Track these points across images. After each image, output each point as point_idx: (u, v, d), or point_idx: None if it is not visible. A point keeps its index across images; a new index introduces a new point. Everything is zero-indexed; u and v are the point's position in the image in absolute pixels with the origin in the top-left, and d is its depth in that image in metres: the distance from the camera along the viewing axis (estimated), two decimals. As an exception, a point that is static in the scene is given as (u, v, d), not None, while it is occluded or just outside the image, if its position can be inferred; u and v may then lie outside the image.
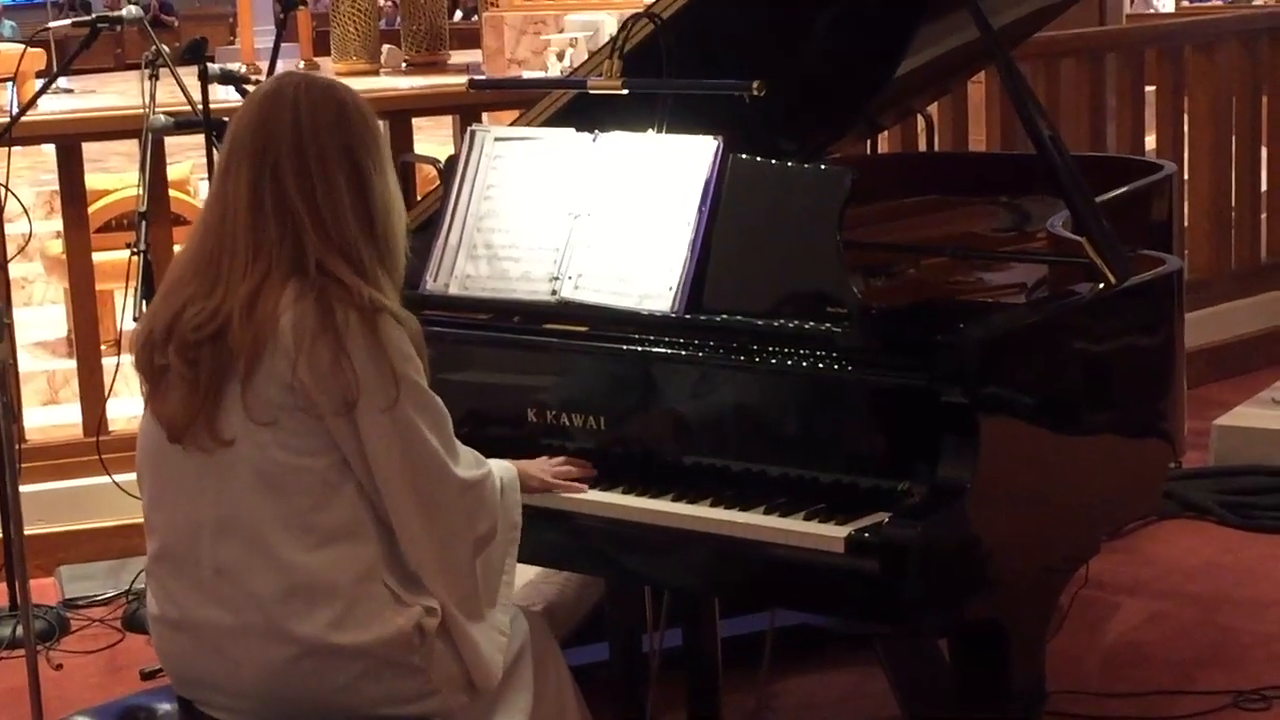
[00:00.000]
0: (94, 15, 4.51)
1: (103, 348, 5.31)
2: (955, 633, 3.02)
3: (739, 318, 2.96)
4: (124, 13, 4.54)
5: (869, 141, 5.10)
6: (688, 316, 2.98)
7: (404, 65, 13.73)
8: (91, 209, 5.58)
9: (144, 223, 4.56)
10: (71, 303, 5.32)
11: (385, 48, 13.92)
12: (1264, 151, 6.85)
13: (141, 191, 4.66)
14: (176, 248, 4.98)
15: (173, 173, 5.54)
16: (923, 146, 5.45)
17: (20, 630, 3.85)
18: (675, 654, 3.39)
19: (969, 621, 2.89)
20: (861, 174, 2.95)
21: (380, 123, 2.75)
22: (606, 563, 3.03)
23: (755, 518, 2.77)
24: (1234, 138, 6.71)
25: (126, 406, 5.24)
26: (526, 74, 10.72)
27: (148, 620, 2.76)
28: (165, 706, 2.79)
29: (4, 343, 3.66)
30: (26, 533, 3.98)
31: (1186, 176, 6.37)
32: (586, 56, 3.83)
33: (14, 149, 4.73)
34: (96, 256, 5.28)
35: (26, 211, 5.11)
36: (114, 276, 5.29)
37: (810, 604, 3.07)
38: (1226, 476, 5.25)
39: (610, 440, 3.02)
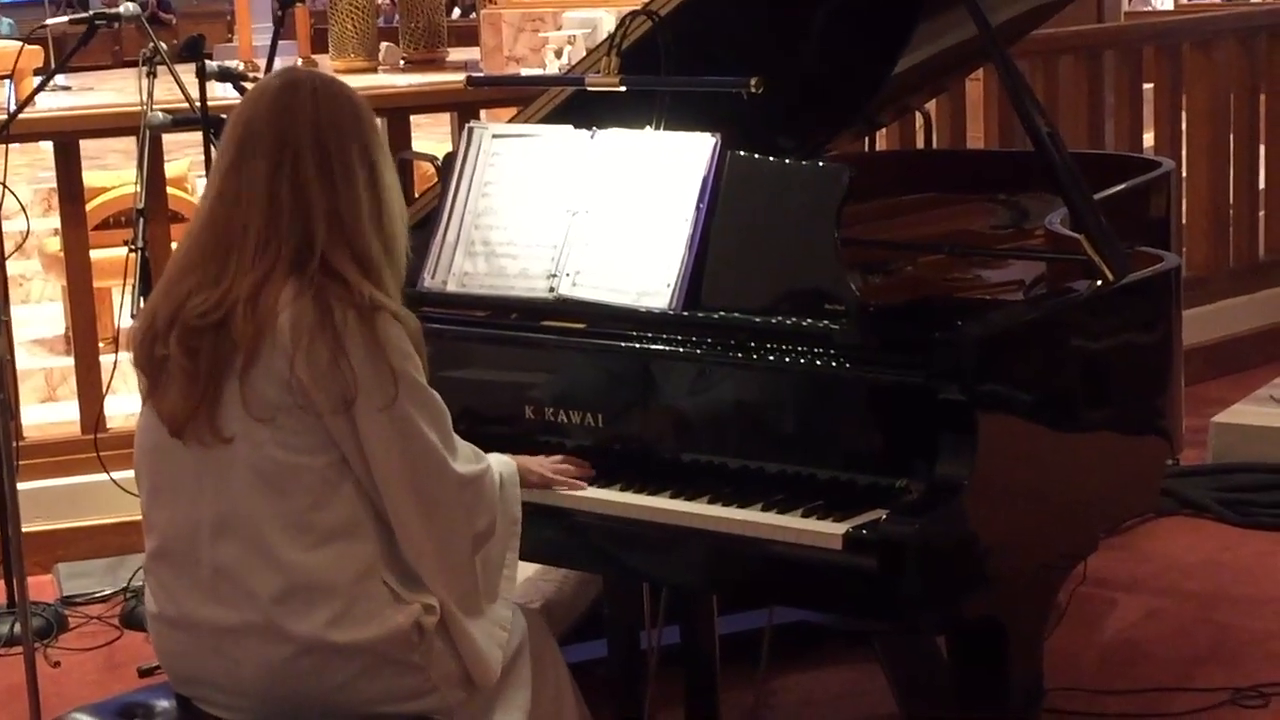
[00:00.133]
0: (91, 12, 4.51)
1: (101, 345, 5.30)
2: (953, 630, 3.02)
3: (737, 315, 2.96)
4: (122, 10, 4.53)
5: (867, 139, 5.10)
6: (685, 313, 2.98)
7: (402, 62, 13.73)
8: (89, 206, 5.58)
9: (142, 220, 4.56)
10: (69, 300, 5.32)
11: (383, 45, 13.91)
12: (1262, 149, 6.85)
13: (139, 189, 4.66)
14: (174, 245, 4.96)
15: (171, 170, 5.54)
16: (921, 144, 5.45)
17: (18, 627, 3.86)
18: (673, 651, 3.39)
19: (967, 618, 2.89)
20: (859, 171, 2.95)
21: (378, 120, 2.76)
22: (604, 560, 3.03)
23: (753, 515, 2.78)
24: (1232, 135, 6.72)
25: (124, 404, 5.24)
26: (524, 71, 10.72)
27: (146, 618, 2.76)
28: (163, 704, 2.78)
29: (2, 340, 3.66)
30: (24, 530, 3.99)
31: (1184, 174, 6.38)
32: (584, 54, 3.82)
33: (11, 146, 4.72)
34: (94, 254, 5.28)
35: (24, 209, 5.10)
36: (112, 274, 5.29)
37: (808, 601, 3.07)
38: (1224, 474, 5.25)
39: (608, 437, 3.02)
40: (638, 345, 3.01)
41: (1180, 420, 3.34)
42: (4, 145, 4.55)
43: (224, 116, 2.70)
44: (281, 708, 2.61)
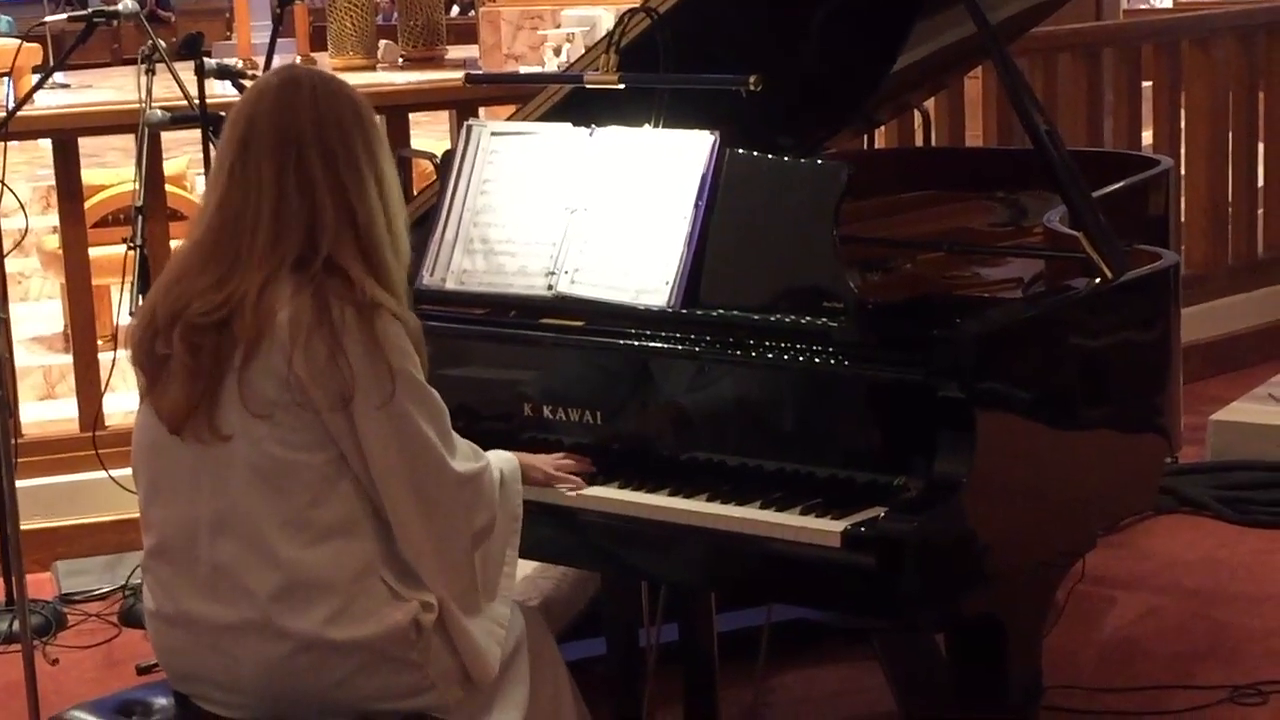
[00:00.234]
0: (90, 10, 4.51)
1: (99, 343, 5.30)
2: (951, 627, 3.02)
3: (735, 312, 2.96)
4: (120, 7, 4.53)
5: (865, 136, 5.09)
6: (684, 311, 2.98)
7: (401, 60, 13.71)
8: (88, 204, 5.58)
9: (140, 218, 4.56)
10: (68, 298, 5.32)
11: (382, 43, 13.89)
12: (1260, 147, 6.85)
13: (138, 186, 4.66)
14: (173, 243, 4.99)
15: (169, 168, 5.53)
16: (919, 141, 5.45)
17: (17, 625, 3.86)
18: (672, 649, 3.39)
19: (965, 616, 2.89)
20: (858, 169, 2.95)
21: (377, 118, 2.76)
22: (603, 557, 3.03)
23: (751, 512, 2.78)
24: (1231, 133, 6.72)
25: (123, 401, 5.24)
26: (523, 69, 10.71)
27: (144, 615, 2.76)
28: (161, 701, 2.79)
29: (1, 338, 3.66)
30: (23, 527, 3.99)
31: (1183, 171, 6.38)
32: (583, 51, 3.82)
33: (10, 144, 4.72)
34: (93, 251, 5.28)
35: (23, 206, 5.10)
36: (110, 271, 5.29)
37: (806, 598, 3.07)
38: (1223, 471, 5.25)
39: (607, 435, 3.02)
40: (636, 343, 3.01)
41: (1179, 418, 3.34)
42: (3, 143, 4.56)
43: (223, 114, 2.70)
44: (279, 705, 2.61)
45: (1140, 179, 3.78)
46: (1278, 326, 6.72)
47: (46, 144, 5.47)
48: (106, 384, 5.04)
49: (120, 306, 4.63)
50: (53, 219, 6.23)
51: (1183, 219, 5.85)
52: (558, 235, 3.12)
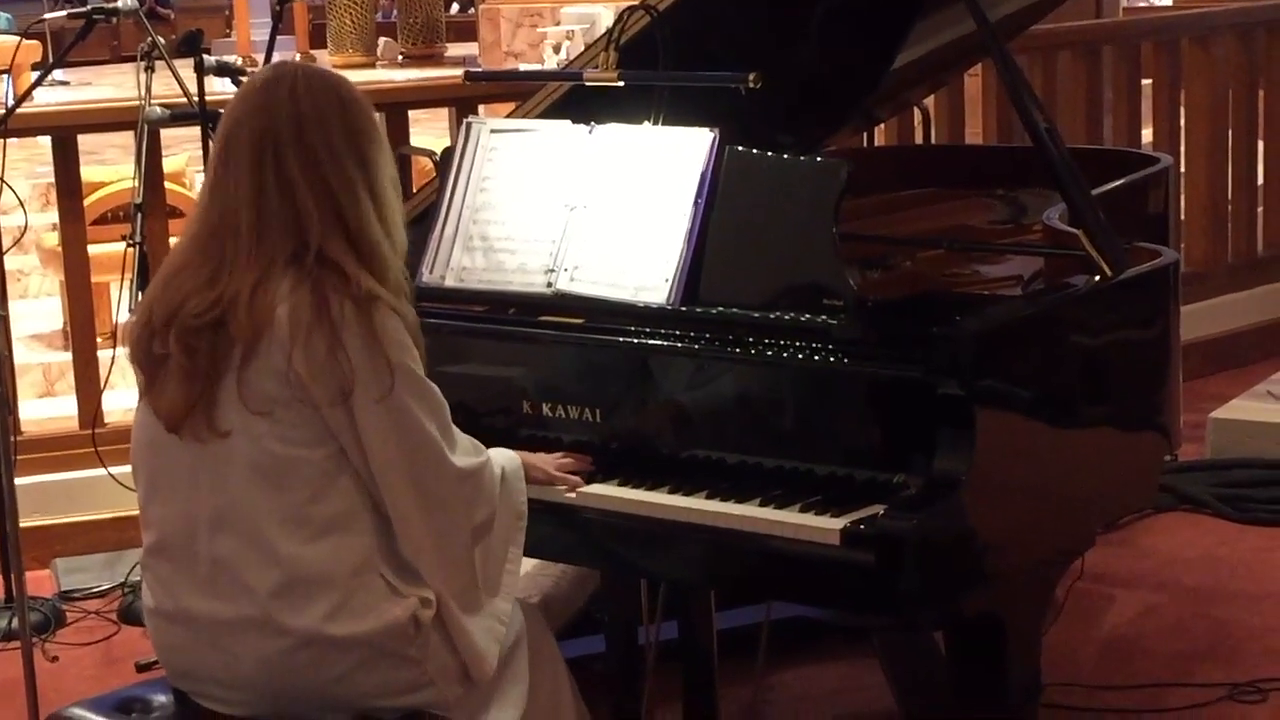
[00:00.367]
0: (89, 7, 4.50)
1: (99, 340, 5.30)
2: (951, 625, 3.02)
3: (735, 310, 2.96)
4: (120, 5, 4.52)
5: (865, 134, 5.09)
6: (683, 309, 2.98)
7: (400, 58, 13.70)
8: (87, 201, 5.58)
9: (140, 215, 4.56)
10: (67, 295, 5.31)
11: (382, 40, 13.89)
12: (1260, 145, 6.85)
13: (137, 184, 4.66)
14: (173, 240, 4.98)
15: (168, 165, 5.53)
16: (919, 139, 5.44)
17: (16, 622, 3.86)
18: (671, 646, 3.39)
19: (965, 614, 2.89)
20: (858, 166, 2.95)
21: (377, 115, 2.75)
22: (602, 555, 3.02)
23: (751, 510, 2.77)
24: (1230, 131, 6.72)
25: (122, 399, 5.23)
26: (523, 66, 10.70)
27: (143, 613, 2.76)
28: (161, 698, 2.79)
29: (0, 335, 3.66)
30: (22, 525, 3.99)
31: (1183, 169, 6.38)
32: (583, 49, 3.82)
33: (9, 141, 4.72)
34: (92, 249, 5.28)
35: (22, 204, 5.10)
36: (110, 269, 5.29)
37: (806, 596, 3.07)
38: (1222, 469, 5.25)
39: (606, 433, 3.02)
40: (636, 340, 3.01)
41: (1178, 416, 3.34)
42: (2, 140, 4.55)
43: (222, 111, 2.70)
44: (279, 701, 2.61)
45: (1140, 177, 3.78)
46: (1277, 324, 6.72)
47: (46, 141, 5.46)
48: (106, 381, 5.04)
49: (120, 304, 4.62)
50: (52, 216, 6.23)
51: (1182, 217, 5.84)
52: (557, 232, 3.11)
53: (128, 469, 2.84)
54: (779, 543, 2.72)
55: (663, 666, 3.43)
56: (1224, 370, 6.30)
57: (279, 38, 4.98)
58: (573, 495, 2.91)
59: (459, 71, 5.25)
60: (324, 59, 13.12)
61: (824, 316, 2.88)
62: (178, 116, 4.57)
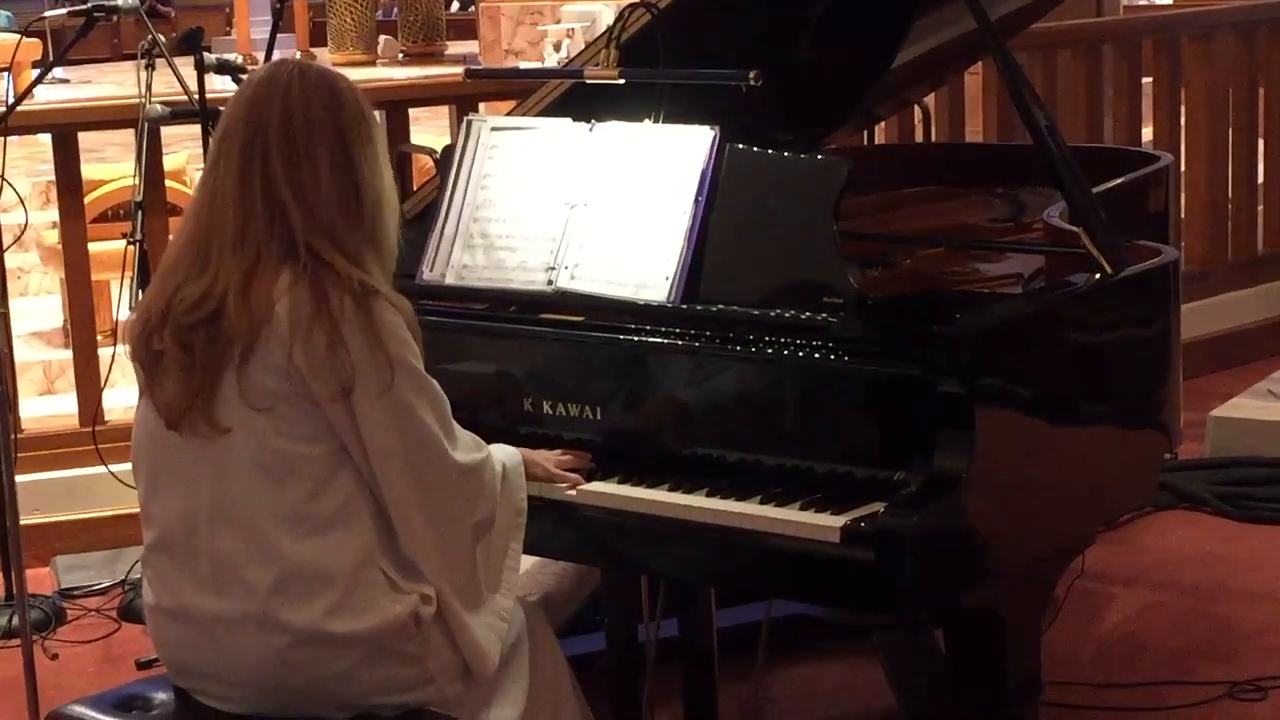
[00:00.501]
0: (90, 5, 4.49)
1: (99, 338, 5.30)
2: (951, 623, 3.02)
3: (735, 308, 2.96)
4: (120, 2, 4.52)
5: (865, 132, 5.09)
6: (684, 306, 2.98)
7: (401, 56, 13.70)
8: (88, 199, 5.58)
9: (140, 213, 4.56)
10: (67, 293, 5.32)
11: (382, 38, 13.88)
12: (1260, 143, 6.85)
13: (138, 181, 4.66)
14: (173, 238, 4.98)
15: (169, 163, 5.53)
16: (919, 137, 5.44)
17: (16, 620, 3.86)
18: (671, 644, 3.40)
19: (965, 612, 2.89)
20: (858, 164, 2.95)
21: (377, 113, 2.75)
22: (603, 552, 3.02)
23: (751, 507, 2.77)
24: (1231, 129, 6.72)
25: (122, 396, 5.24)
26: (523, 64, 10.70)
27: (144, 610, 2.76)
28: (161, 696, 2.79)
29: (0, 333, 3.66)
30: (22, 523, 3.99)
31: (1183, 168, 6.38)
32: (583, 47, 3.82)
33: (10, 139, 4.72)
34: (93, 247, 5.28)
35: (23, 201, 5.10)
36: (110, 267, 5.29)
37: (806, 594, 3.07)
38: (1222, 468, 5.26)
39: (606, 430, 3.02)
40: (636, 338, 3.01)
41: (1178, 414, 3.33)
42: (3, 138, 4.55)
43: (222, 109, 2.70)
44: (279, 698, 2.61)
45: (1140, 175, 3.78)
46: (1277, 322, 6.72)
47: (46, 139, 5.46)
48: (106, 379, 5.04)
49: (120, 302, 4.62)
50: (52, 214, 6.22)
51: (1183, 215, 5.85)
52: (557, 230, 3.12)
53: (128, 466, 2.84)
54: (779, 540, 2.72)
55: (663, 664, 3.43)
56: (1224, 368, 6.30)
57: (279, 36, 4.97)
58: (573, 492, 2.91)
59: (459, 69, 5.26)
60: (324, 57, 13.12)
61: (824, 314, 2.88)
62: (178, 114, 4.57)
